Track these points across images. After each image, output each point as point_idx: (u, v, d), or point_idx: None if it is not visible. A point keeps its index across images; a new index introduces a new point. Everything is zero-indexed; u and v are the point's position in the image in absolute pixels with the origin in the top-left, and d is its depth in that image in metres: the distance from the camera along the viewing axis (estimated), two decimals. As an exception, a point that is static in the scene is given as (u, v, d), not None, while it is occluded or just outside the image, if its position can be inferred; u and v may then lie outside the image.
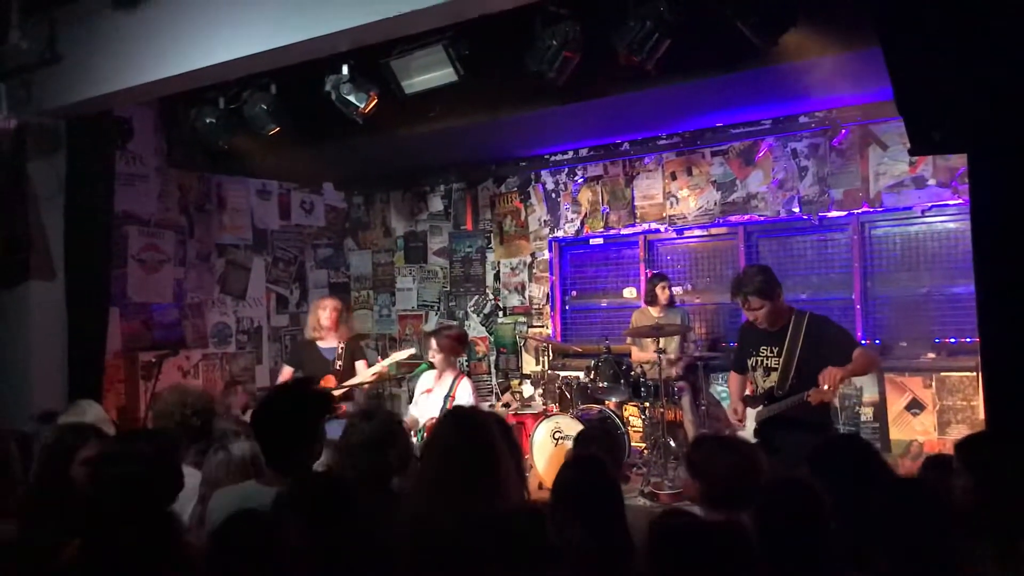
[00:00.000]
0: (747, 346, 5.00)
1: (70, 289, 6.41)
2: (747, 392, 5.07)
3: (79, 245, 6.41)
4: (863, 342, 6.95)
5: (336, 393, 6.27)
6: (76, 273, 6.42)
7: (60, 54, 5.83)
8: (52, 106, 6.06)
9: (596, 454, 3.26)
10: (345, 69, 5.62)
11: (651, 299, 7.42)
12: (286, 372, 6.76)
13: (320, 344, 6.57)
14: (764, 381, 4.87)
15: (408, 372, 7.21)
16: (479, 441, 2.68)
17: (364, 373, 6.41)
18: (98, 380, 6.47)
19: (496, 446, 2.69)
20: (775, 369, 4.80)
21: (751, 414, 4.94)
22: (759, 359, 4.89)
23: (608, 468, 3.08)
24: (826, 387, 4.45)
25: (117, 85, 5.69)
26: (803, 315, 4.80)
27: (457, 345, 6.31)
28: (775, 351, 4.81)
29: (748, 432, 4.92)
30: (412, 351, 6.80)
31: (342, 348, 6.49)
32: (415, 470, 3.03)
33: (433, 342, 6.24)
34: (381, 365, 6.41)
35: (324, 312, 6.55)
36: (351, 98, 5.65)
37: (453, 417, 2.89)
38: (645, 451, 7.13)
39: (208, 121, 6.38)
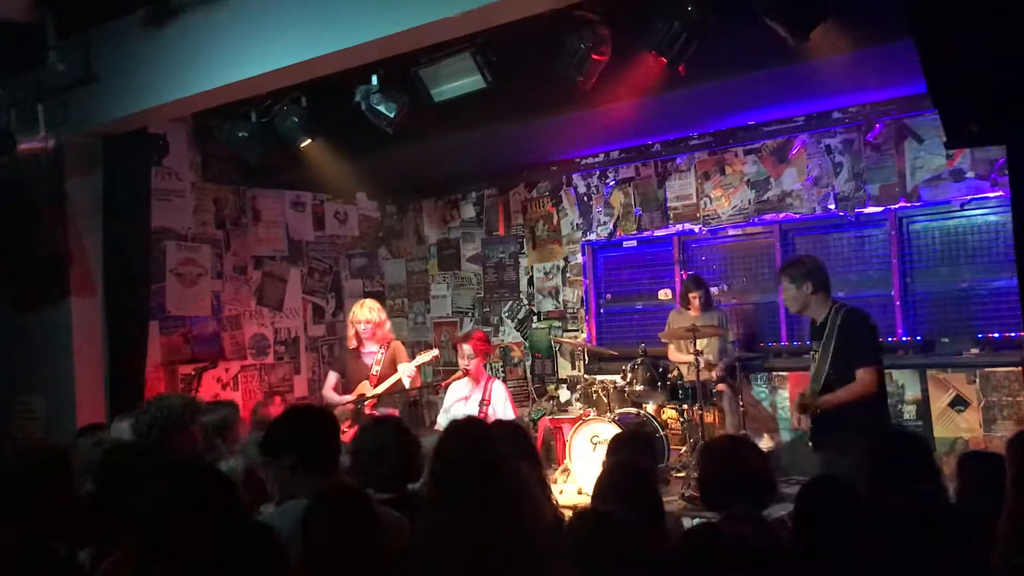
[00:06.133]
0: (812, 339, 5.03)
1: (109, 304, 6.51)
2: None
3: (118, 261, 6.51)
4: (904, 339, 6.87)
5: (372, 397, 6.31)
6: (115, 288, 6.52)
7: (95, 73, 5.93)
8: (89, 125, 6.17)
9: (635, 461, 3.24)
10: (374, 79, 5.66)
11: (684, 303, 7.37)
12: (331, 379, 6.80)
13: (362, 350, 6.61)
14: (812, 379, 4.88)
15: (443, 378, 7.22)
16: (480, 457, 2.64)
17: (398, 374, 6.40)
18: (139, 393, 6.54)
19: (499, 459, 2.65)
20: (816, 363, 4.80)
21: None
22: (812, 355, 4.92)
23: (647, 475, 3.06)
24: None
25: (152, 102, 5.78)
26: (841, 310, 4.78)
27: (486, 344, 6.39)
28: (817, 346, 4.81)
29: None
30: (435, 352, 6.81)
31: (382, 354, 6.52)
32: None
33: (464, 348, 6.26)
34: (407, 370, 6.38)
35: (360, 326, 6.55)
36: (381, 108, 5.68)
37: (451, 435, 2.85)
38: (684, 454, 7.08)
39: (241, 135, 6.45)
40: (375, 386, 6.38)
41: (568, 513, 3.10)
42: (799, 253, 7.31)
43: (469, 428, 2.97)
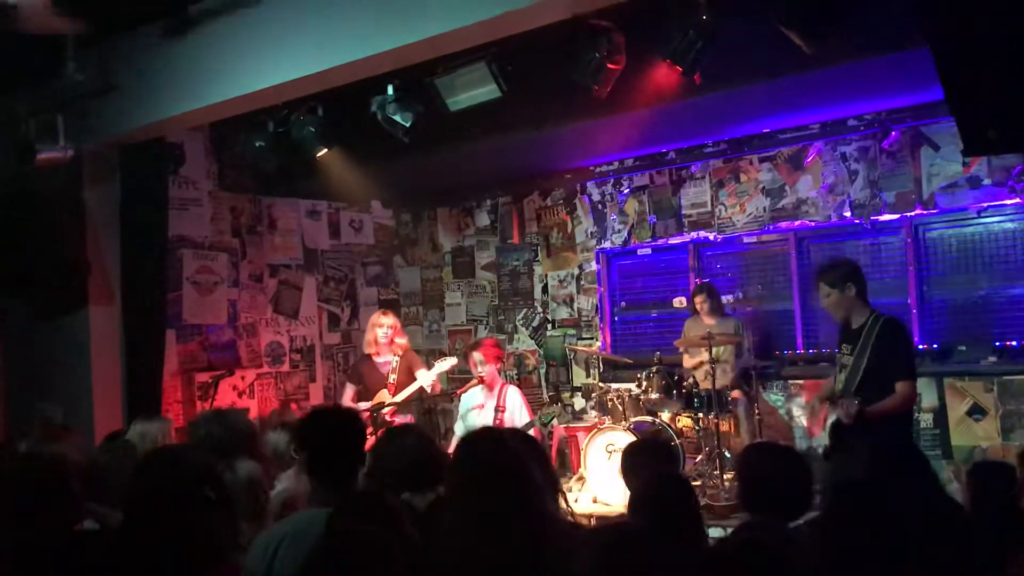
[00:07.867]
0: (839, 341, 4.97)
1: (127, 313, 6.56)
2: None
3: (135, 269, 6.56)
4: (921, 347, 6.82)
5: (391, 405, 6.32)
6: (133, 297, 6.57)
7: (114, 84, 5.99)
8: (107, 135, 6.23)
9: (674, 472, 3.22)
10: (390, 89, 5.69)
11: (693, 311, 7.38)
12: (349, 390, 6.83)
13: (376, 359, 6.65)
14: (838, 381, 4.84)
15: (458, 386, 7.22)
16: (500, 459, 2.63)
17: (419, 381, 6.41)
18: (156, 401, 6.59)
19: (519, 462, 2.64)
20: (847, 367, 4.76)
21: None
22: (840, 355, 4.87)
23: (689, 486, 3.03)
24: (844, 418, 4.46)
25: (169, 112, 5.84)
26: (880, 318, 4.72)
27: (498, 351, 6.41)
28: (850, 349, 4.77)
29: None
30: (454, 361, 6.82)
31: (397, 362, 6.55)
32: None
33: (476, 355, 6.28)
34: (428, 378, 6.39)
35: (380, 330, 6.62)
36: (396, 117, 5.71)
37: (468, 443, 2.83)
38: (700, 462, 7.05)
39: (257, 145, 6.49)
40: (394, 394, 6.41)
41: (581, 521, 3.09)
42: (807, 266, 7.30)
43: (482, 436, 2.95)
